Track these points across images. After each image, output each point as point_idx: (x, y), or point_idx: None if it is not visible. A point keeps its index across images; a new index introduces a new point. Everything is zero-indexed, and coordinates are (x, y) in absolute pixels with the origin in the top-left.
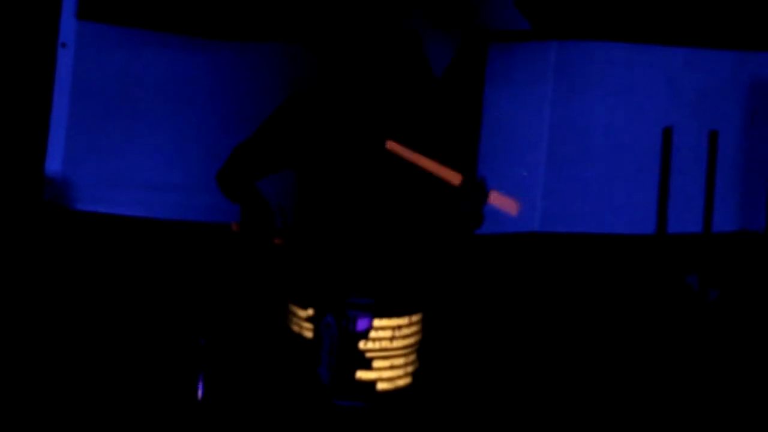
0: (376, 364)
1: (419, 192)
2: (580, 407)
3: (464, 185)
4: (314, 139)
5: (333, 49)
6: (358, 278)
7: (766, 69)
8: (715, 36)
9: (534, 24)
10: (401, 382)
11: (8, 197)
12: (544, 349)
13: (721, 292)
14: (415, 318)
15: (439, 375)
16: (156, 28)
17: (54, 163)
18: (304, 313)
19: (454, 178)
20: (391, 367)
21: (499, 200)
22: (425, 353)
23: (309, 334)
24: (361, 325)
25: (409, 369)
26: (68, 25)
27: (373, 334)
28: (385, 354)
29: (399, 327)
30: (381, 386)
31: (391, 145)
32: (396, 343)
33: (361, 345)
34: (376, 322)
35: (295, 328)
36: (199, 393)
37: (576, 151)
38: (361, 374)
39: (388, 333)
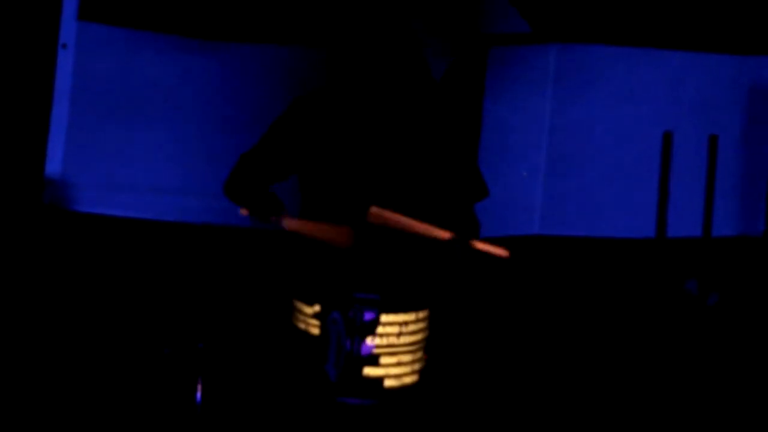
0: (383, 360)
1: (424, 189)
2: (582, 410)
3: (453, 240)
4: (318, 143)
5: (334, 52)
6: (365, 274)
7: (766, 73)
8: (715, 40)
9: (534, 27)
10: (408, 380)
11: (8, 199)
12: (545, 351)
13: (720, 297)
14: (421, 314)
15: (447, 372)
16: (156, 30)
17: (54, 165)
18: (310, 310)
19: (443, 234)
20: (398, 364)
21: (486, 248)
22: (432, 351)
23: (315, 331)
24: (365, 349)
25: (416, 366)
26: (69, 26)
27: (380, 329)
28: (392, 350)
29: (405, 323)
30: (388, 383)
31: (375, 210)
32: (403, 339)
33: (369, 341)
34: (383, 318)
35: (301, 326)
36: (198, 396)
37: (576, 155)
38: (368, 371)
39: (395, 329)
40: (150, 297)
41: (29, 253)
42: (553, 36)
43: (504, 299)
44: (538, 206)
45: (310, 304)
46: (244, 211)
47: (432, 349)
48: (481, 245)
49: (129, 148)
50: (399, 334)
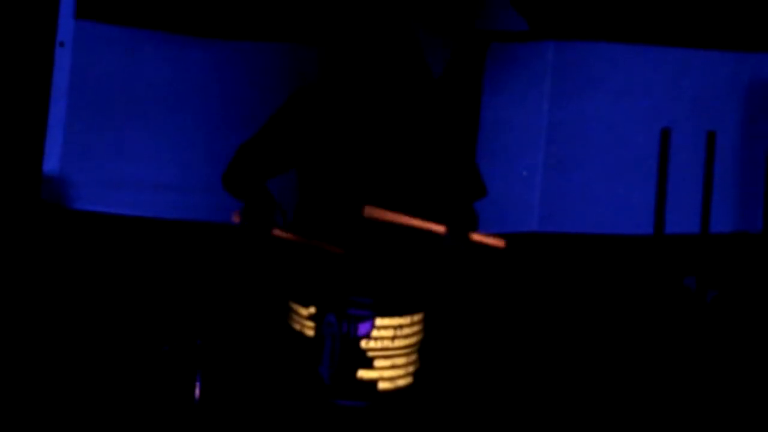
0: (377, 363)
1: (421, 186)
2: (580, 407)
3: (449, 233)
4: (316, 137)
5: (333, 48)
6: (360, 277)
7: (765, 70)
8: (713, 37)
9: (532, 25)
10: (402, 382)
11: (5, 196)
12: (543, 349)
13: (718, 293)
14: (416, 317)
15: (440, 375)
16: (154, 28)
17: (51, 163)
18: (305, 312)
19: (438, 228)
20: (393, 367)
21: (483, 239)
22: (426, 353)
23: (310, 333)
24: (362, 329)
25: (411, 369)
26: (66, 24)
27: (374, 333)
28: (387, 353)
29: (400, 326)
30: (382, 386)
31: (369, 210)
32: (397, 343)
33: (363, 344)
34: (378, 321)
35: (297, 327)
36: (196, 393)
37: (574, 152)
38: (363, 373)
39: (389, 332)
40: (148, 294)
41: (27, 250)
42: (551, 33)
43: (502, 296)
44: (537, 203)
45: (306, 305)
46: (236, 218)
47: (427, 351)
48: (477, 237)
49: (127, 145)
50: (393, 338)
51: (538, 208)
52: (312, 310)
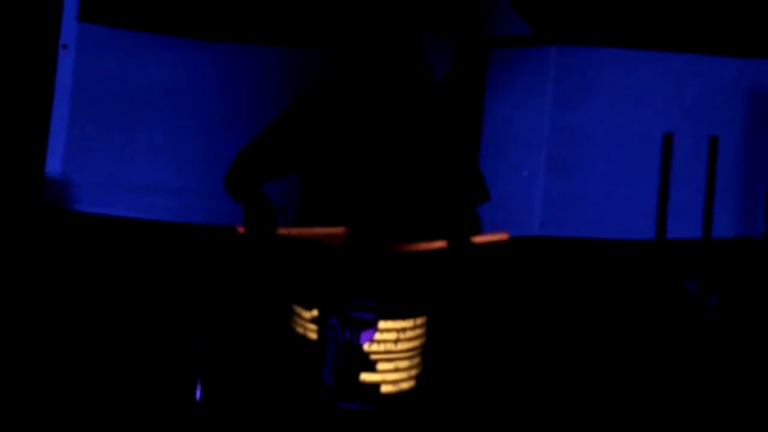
0: (380, 366)
1: (424, 190)
2: (581, 412)
3: (451, 246)
4: (319, 141)
5: (336, 53)
6: (363, 280)
7: (767, 76)
8: (716, 42)
9: (534, 29)
10: (405, 386)
11: (8, 198)
12: (545, 353)
13: (720, 298)
14: (419, 321)
15: (444, 379)
16: (157, 31)
17: (54, 165)
18: (308, 315)
19: (440, 244)
20: (396, 370)
21: (485, 239)
22: (430, 357)
23: (313, 336)
24: (364, 337)
25: (414, 372)
26: (69, 26)
27: (377, 336)
28: (390, 357)
29: (403, 330)
30: (385, 389)
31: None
32: (400, 346)
33: (366, 347)
34: (381, 324)
35: (299, 330)
36: (197, 397)
37: (576, 156)
38: (365, 376)
39: (392, 335)
40: (149, 297)
41: (29, 252)
42: (554, 38)
43: (504, 300)
44: (538, 207)
45: (309, 308)
46: (241, 229)
47: (430, 355)
48: (480, 238)
49: (129, 147)
50: (397, 341)
51: (540, 213)
52: (315, 313)
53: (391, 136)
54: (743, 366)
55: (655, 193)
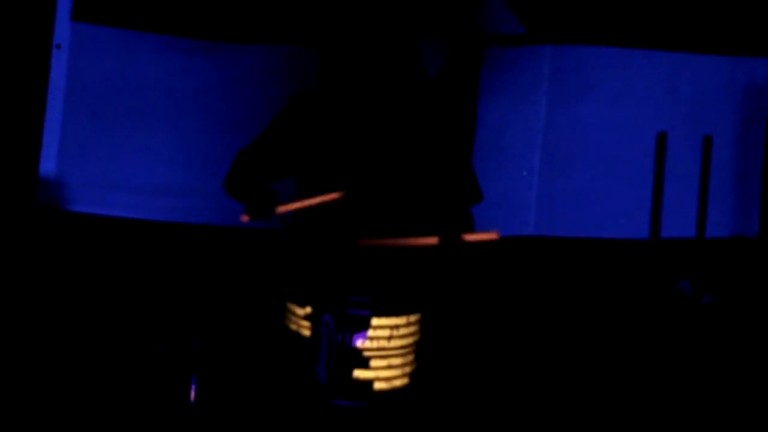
0: (373, 363)
1: (417, 188)
2: (575, 410)
3: (442, 242)
4: (316, 141)
5: (331, 52)
6: (357, 277)
7: (760, 74)
8: (709, 41)
9: (529, 28)
10: (398, 383)
11: (2, 199)
12: (539, 352)
13: (714, 298)
14: (413, 318)
15: (437, 376)
16: (151, 30)
17: (48, 165)
18: (301, 312)
19: (431, 240)
20: (389, 367)
21: (476, 237)
22: (423, 354)
23: (307, 333)
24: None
25: (407, 369)
26: (63, 26)
27: (370, 333)
28: (383, 353)
29: (397, 326)
30: (378, 386)
31: (363, 241)
32: (394, 343)
33: (359, 344)
34: (375, 321)
35: (293, 327)
36: (192, 395)
37: (570, 156)
38: (359, 373)
39: (386, 332)
40: (144, 296)
41: (24, 253)
42: (548, 37)
43: (498, 299)
44: (533, 207)
45: (302, 305)
46: (244, 218)
47: (423, 352)
48: (471, 237)
49: (124, 148)
50: (390, 338)
51: (535, 212)
52: (308, 310)
53: (385, 134)
54: (738, 365)
55: (649, 192)
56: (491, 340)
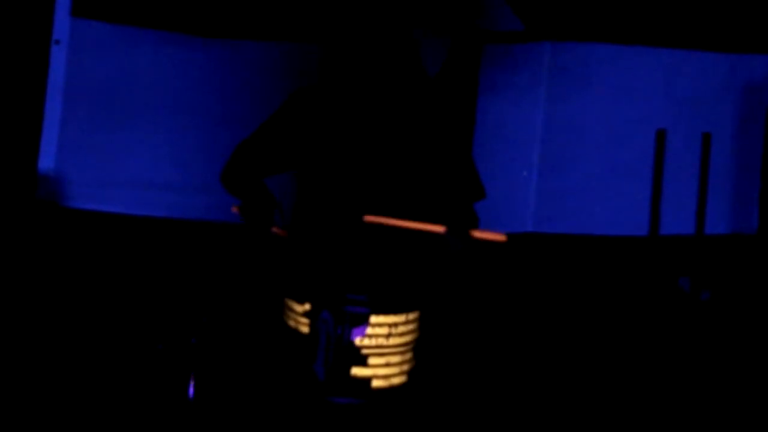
0: (371, 361)
1: (420, 186)
2: (574, 407)
3: (449, 232)
4: (314, 138)
5: (330, 49)
6: (356, 274)
7: (759, 72)
8: (708, 38)
9: (527, 26)
10: (396, 380)
11: (1, 195)
12: (538, 349)
13: (712, 294)
14: (411, 316)
15: (435, 374)
16: (150, 26)
17: (47, 161)
18: (300, 308)
19: (438, 228)
20: (387, 365)
21: (483, 235)
22: (421, 352)
23: (305, 330)
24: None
25: (405, 367)
26: (62, 22)
27: (369, 330)
28: (381, 351)
29: (395, 324)
30: (376, 383)
31: (368, 218)
32: (392, 341)
33: (357, 341)
34: (373, 319)
35: (292, 324)
36: (191, 392)
37: (569, 152)
38: (357, 371)
39: (384, 330)
40: (143, 293)
41: (23, 249)
42: (547, 34)
43: (497, 297)
44: (532, 204)
45: (301, 302)
46: (235, 209)
47: (422, 350)
48: (478, 233)
49: (123, 144)
50: (388, 335)
51: (534, 209)
52: (307, 306)
53: (386, 132)
54: (736, 361)
55: (648, 189)
56: (490, 337)
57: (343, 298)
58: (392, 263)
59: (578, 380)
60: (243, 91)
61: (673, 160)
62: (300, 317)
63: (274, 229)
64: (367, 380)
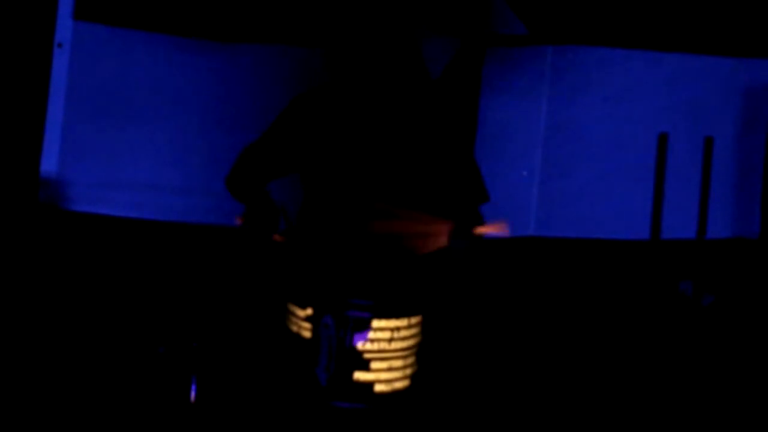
0: (374, 365)
1: (423, 189)
2: (576, 412)
3: (454, 230)
4: (318, 141)
5: (333, 52)
6: (358, 279)
7: (761, 75)
8: (710, 42)
9: (530, 29)
10: (399, 385)
11: (3, 198)
12: (540, 353)
13: (714, 298)
14: (414, 320)
15: (438, 378)
16: (153, 29)
17: (49, 164)
18: (302, 313)
19: (444, 225)
20: (389, 369)
21: (487, 229)
22: (424, 356)
23: (307, 334)
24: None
25: (408, 372)
26: (64, 25)
27: (371, 335)
28: (383, 355)
29: (398, 329)
30: (378, 388)
31: (380, 205)
32: (394, 345)
33: (360, 346)
34: (375, 323)
35: (294, 328)
36: (192, 395)
37: (571, 156)
38: (359, 375)
39: (386, 334)
40: (145, 296)
41: (25, 252)
42: (550, 37)
43: (499, 300)
44: (534, 207)
45: (303, 306)
46: (239, 221)
47: (425, 355)
48: (481, 229)
49: (125, 146)
50: (391, 340)
51: (535, 213)
52: (309, 311)
53: (389, 135)
54: (739, 366)
55: (650, 193)
56: (492, 341)
57: (346, 302)
58: (394, 267)
59: (581, 385)
60: (245, 94)
61: (675, 163)
62: (302, 322)
63: (275, 237)
64: (369, 385)
